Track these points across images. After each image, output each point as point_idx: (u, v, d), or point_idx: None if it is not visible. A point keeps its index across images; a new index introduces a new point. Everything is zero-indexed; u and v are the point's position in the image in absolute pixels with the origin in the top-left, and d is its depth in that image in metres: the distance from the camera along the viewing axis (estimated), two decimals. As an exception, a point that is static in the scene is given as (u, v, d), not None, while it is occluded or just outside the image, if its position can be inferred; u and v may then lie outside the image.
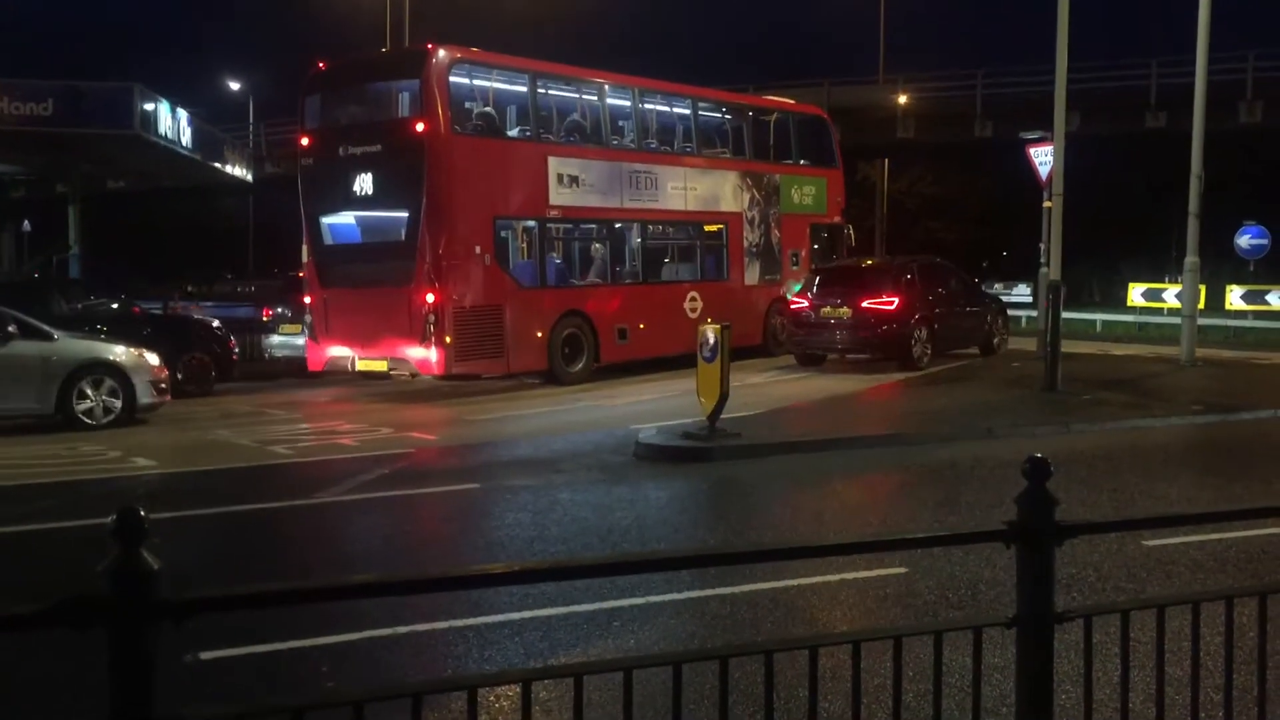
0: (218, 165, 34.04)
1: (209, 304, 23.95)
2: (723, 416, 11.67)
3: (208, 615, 2.24)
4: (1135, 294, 33.76)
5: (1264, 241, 26.33)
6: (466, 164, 17.03)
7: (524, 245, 18.33)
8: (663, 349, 19.12)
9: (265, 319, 22.07)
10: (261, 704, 2.83)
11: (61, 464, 11.47)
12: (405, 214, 16.81)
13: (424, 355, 16.53)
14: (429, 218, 16.50)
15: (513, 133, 18.68)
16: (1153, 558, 7.14)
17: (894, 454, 11.66)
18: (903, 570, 6.84)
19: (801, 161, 23.37)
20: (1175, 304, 27.91)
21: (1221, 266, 30.22)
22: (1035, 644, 2.80)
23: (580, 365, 18.43)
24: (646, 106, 20.71)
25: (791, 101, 25.27)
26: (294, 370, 19.79)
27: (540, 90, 18.75)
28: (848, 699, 2.92)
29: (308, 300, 18.09)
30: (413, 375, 17.39)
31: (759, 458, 11.28)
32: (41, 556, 7.91)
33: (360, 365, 17.43)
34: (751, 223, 21.84)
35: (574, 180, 18.63)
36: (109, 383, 13.79)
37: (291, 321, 20.56)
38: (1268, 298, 29.62)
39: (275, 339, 21.70)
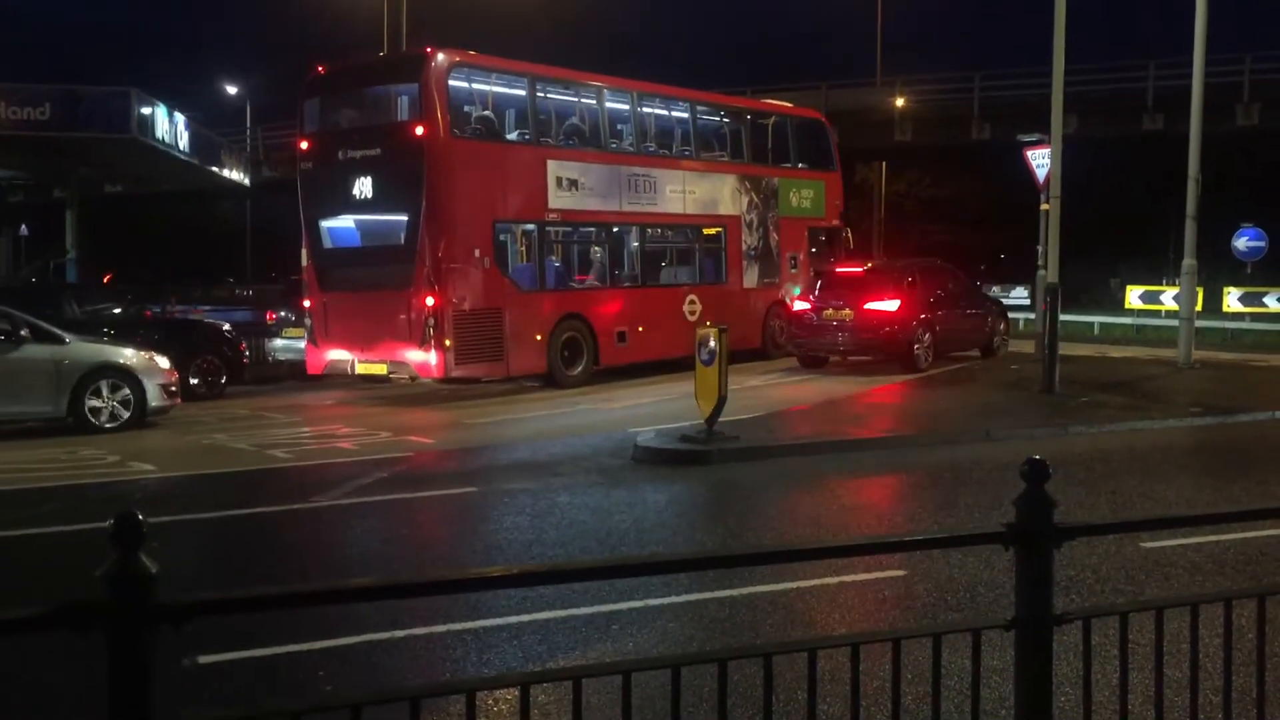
0: (215, 169, 34.07)
1: (206, 308, 23.93)
2: (721, 419, 11.67)
3: (206, 619, 2.24)
4: (1133, 296, 33.75)
5: (1261, 244, 26.32)
6: (466, 167, 17.04)
7: (523, 248, 18.33)
8: (662, 352, 19.14)
9: (269, 323, 22.11)
10: (260, 708, 2.83)
11: (61, 468, 11.47)
12: (405, 217, 16.83)
13: (423, 359, 16.54)
14: (428, 221, 16.51)
15: (512, 136, 18.71)
16: (1151, 559, 7.14)
17: (892, 456, 11.67)
18: (901, 572, 6.84)
19: (800, 165, 23.40)
20: (1173, 306, 27.90)
21: (1219, 269, 30.21)
22: (1034, 646, 2.80)
23: (579, 368, 18.43)
24: (645, 110, 20.73)
25: (790, 105, 25.27)
26: (297, 374, 19.83)
27: (539, 94, 18.76)
28: (847, 701, 2.92)
29: (307, 304, 18.10)
30: (412, 378, 17.39)
31: (757, 460, 11.28)
32: (41, 561, 7.90)
33: (360, 369, 17.45)
34: (750, 226, 21.86)
35: (573, 183, 18.64)
36: (120, 386, 13.87)
37: (295, 325, 20.60)
38: (1265, 300, 29.61)
39: (278, 342, 21.74)
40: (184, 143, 29.44)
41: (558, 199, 18.37)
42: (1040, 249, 19.91)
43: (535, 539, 8.13)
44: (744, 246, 21.74)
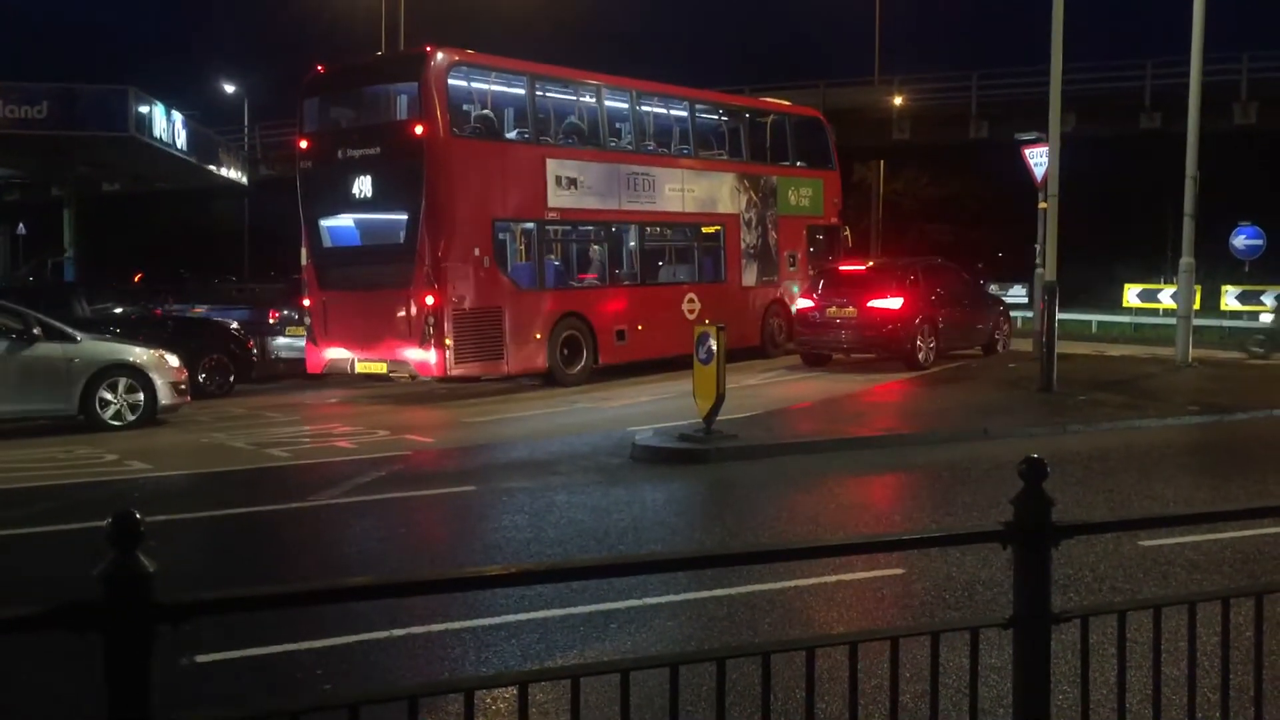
0: (213, 168, 34.08)
1: (204, 307, 23.90)
2: (720, 418, 11.67)
3: (204, 618, 2.24)
4: (1130, 295, 33.75)
5: (1259, 242, 26.33)
6: (465, 166, 17.05)
7: (523, 247, 18.33)
8: (661, 350, 19.14)
9: (271, 321, 22.11)
10: (258, 707, 2.83)
11: (59, 467, 11.46)
12: (404, 216, 16.83)
13: (423, 357, 16.55)
14: (428, 220, 16.51)
15: (511, 135, 18.70)
16: (1149, 558, 7.14)
17: (890, 455, 11.67)
18: (899, 571, 6.84)
19: (798, 163, 23.41)
20: (1170, 305, 27.91)
21: (1216, 267, 30.19)
22: (1032, 644, 2.80)
23: (579, 367, 18.44)
24: (644, 108, 20.74)
25: (788, 103, 25.28)
26: (299, 373, 19.83)
27: (538, 92, 18.76)
28: (845, 700, 2.92)
29: (307, 303, 18.11)
30: (412, 377, 17.39)
31: (755, 459, 11.28)
32: (39, 560, 7.90)
33: (360, 367, 17.46)
34: (749, 224, 21.86)
35: (572, 182, 18.65)
36: (131, 384, 13.94)
37: (297, 324, 20.60)
38: (1263, 298, 29.61)
39: (281, 341, 21.73)
40: (181, 141, 29.44)
41: (557, 198, 18.37)
42: (1038, 247, 19.89)
43: (533, 538, 8.13)
44: (743, 245, 21.75)
